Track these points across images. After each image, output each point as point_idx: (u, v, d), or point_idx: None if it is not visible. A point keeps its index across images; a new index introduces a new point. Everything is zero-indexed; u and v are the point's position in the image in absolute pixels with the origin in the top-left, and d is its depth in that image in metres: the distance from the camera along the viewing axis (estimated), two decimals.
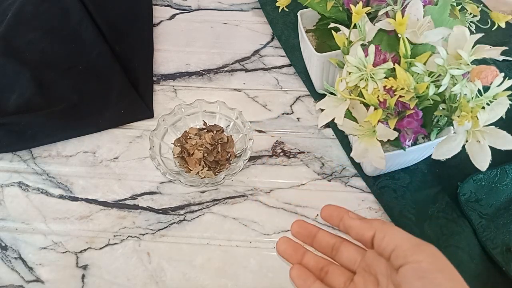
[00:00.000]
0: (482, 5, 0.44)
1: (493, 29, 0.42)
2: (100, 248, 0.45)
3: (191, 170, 0.48)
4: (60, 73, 0.59)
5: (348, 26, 0.40)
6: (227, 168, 0.49)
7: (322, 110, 0.40)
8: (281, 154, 0.52)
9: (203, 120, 0.52)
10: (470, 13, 0.43)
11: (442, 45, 0.34)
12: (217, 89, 0.58)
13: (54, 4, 0.66)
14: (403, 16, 0.34)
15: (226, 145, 0.50)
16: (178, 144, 0.50)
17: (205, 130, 0.51)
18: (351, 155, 0.40)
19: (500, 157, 0.40)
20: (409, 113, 0.36)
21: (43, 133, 0.53)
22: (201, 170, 0.48)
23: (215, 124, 0.52)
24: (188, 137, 0.51)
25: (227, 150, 0.50)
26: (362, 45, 0.38)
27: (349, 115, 0.39)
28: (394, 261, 0.27)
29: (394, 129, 0.36)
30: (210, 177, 0.48)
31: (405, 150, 0.40)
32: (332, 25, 0.43)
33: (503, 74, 0.32)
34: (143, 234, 0.46)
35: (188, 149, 0.49)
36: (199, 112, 0.52)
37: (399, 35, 0.35)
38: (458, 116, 0.33)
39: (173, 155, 0.50)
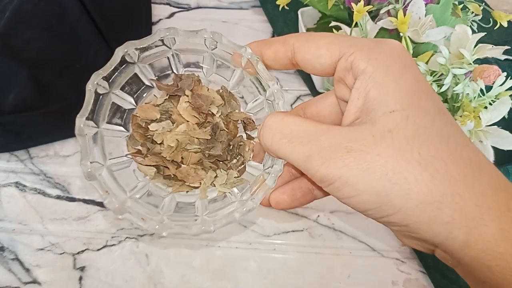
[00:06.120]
0: (484, 4, 0.43)
1: (495, 28, 0.41)
2: (98, 250, 0.45)
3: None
4: (57, 72, 0.58)
5: (349, 25, 0.40)
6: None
7: None
8: None
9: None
10: (472, 12, 0.43)
11: (444, 44, 0.34)
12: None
13: (51, 2, 0.65)
14: (405, 14, 0.33)
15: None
16: None
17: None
18: None
19: (502, 157, 0.39)
20: None
21: (40, 132, 0.52)
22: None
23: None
24: None
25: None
26: None
27: None
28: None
29: None
30: None
31: None
32: (333, 23, 0.43)
33: (505, 73, 0.32)
34: (141, 236, 0.46)
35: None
36: None
37: (401, 34, 0.35)
38: (461, 116, 0.33)
39: None
